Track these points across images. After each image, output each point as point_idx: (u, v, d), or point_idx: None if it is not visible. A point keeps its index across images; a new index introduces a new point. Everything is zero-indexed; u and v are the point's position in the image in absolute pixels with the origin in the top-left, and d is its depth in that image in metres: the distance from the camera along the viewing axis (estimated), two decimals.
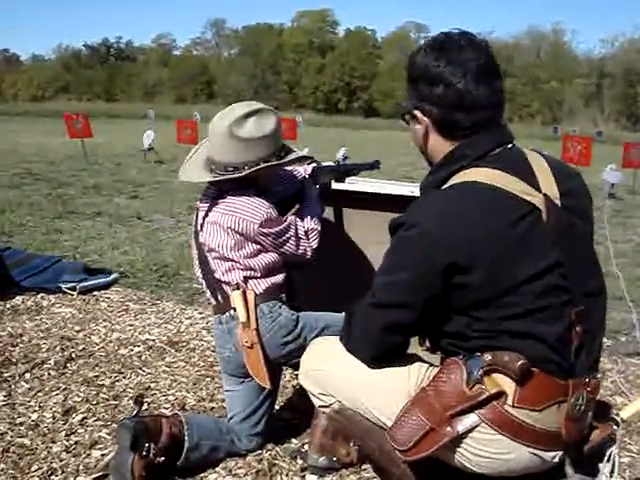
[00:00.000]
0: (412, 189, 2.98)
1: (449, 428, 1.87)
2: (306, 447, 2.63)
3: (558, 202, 1.89)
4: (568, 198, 1.92)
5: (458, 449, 1.93)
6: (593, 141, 14.14)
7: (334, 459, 2.48)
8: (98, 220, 7.78)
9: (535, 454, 1.91)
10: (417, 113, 1.95)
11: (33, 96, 68.74)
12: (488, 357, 1.85)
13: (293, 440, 2.76)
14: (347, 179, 2.97)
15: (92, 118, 17.23)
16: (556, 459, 1.96)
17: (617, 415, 2.09)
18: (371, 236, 3.08)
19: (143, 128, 17.65)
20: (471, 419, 1.87)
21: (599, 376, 2.05)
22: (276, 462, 2.60)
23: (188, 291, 4.91)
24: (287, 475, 2.52)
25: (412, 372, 2.10)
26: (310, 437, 2.53)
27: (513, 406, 1.85)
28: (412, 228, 1.85)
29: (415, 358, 2.18)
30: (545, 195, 1.87)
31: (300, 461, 2.59)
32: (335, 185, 2.93)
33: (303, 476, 2.51)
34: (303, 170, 2.86)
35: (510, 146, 1.95)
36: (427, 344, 2.11)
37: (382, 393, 2.08)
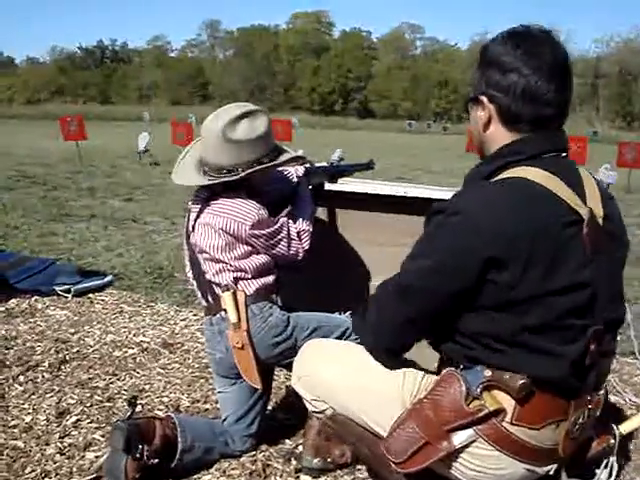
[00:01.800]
0: (405, 189, 2.99)
1: (446, 443, 1.85)
2: (300, 448, 2.63)
3: (600, 221, 1.85)
4: (609, 221, 1.89)
5: (453, 463, 1.92)
6: (588, 141, 14.17)
7: (328, 460, 2.48)
8: (93, 222, 7.76)
9: (529, 470, 1.90)
10: (483, 99, 1.89)
11: (28, 99, 68.70)
12: (488, 373, 1.82)
13: (287, 441, 2.76)
14: (341, 180, 2.96)
15: (87, 120, 17.20)
16: (552, 471, 1.95)
17: (617, 428, 2.06)
18: (364, 236, 3.09)
19: (138, 130, 17.64)
20: (468, 434, 1.85)
21: (601, 392, 2.00)
22: (270, 463, 2.59)
23: (183, 293, 4.91)
24: (281, 476, 2.51)
25: (407, 381, 2.06)
26: (304, 438, 2.54)
27: (511, 423, 1.83)
28: (455, 215, 1.78)
29: (410, 365, 2.16)
30: (590, 210, 1.82)
31: (294, 462, 2.59)
32: (328, 186, 2.93)
33: (297, 477, 2.51)
34: (295, 171, 2.85)
35: (564, 155, 1.92)
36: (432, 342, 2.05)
37: (376, 402, 2.07)
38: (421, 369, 2.13)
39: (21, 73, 77.64)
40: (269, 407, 2.80)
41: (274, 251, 2.51)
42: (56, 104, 56.31)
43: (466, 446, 1.86)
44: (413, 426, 1.89)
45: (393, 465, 1.93)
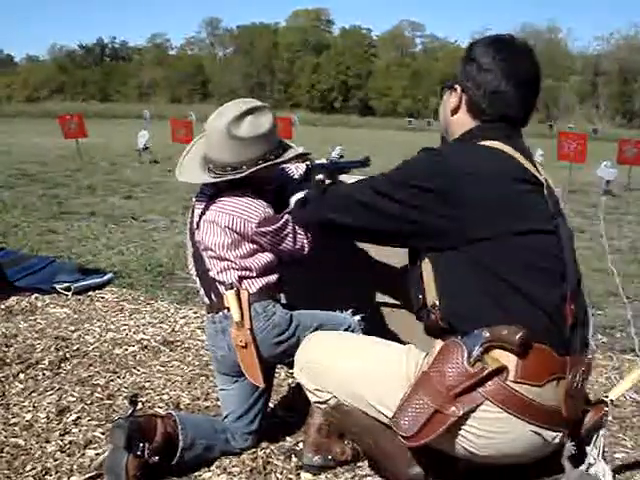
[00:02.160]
0: None
1: (453, 408, 1.89)
2: (301, 445, 2.63)
3: (553, 191, 2.10)
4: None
5: (462, 432, 1.94)
6: (588, 138, 14.16)
7: (329, 457, 2.48)
8: (93, 220, 7.76)
9: (536, 432, 1.93)
10: (457, 87, 2.16)
11: (28, 97, 68.61)
12: (486, 334, 1.88)
13: (288, 438, 2.75)
14: (340, 177, 2.96)
15: (87, 118, 17.17)
16: (556, 440, 1.98)
17: (606, 397, 2.17)
18: None
19: (138, 128, 17.62)
20: (475, 397, 1.90)
21: (590, 357, 2.11)
22: (270, 460, 2.59)
23: (183, 291, 4.91)
24: (282, 473, 2.51)
25: (410, 358, 2.12)
26: (305, 435, 2.54)
27: (515, 381, 1.88)
28: (430, 151, 2.12)
29: (409, 345, 2.23)
30: (545, 179, 2.08)
31: (295, 459, 2.59)
32: (328, 183, 2.92)
33: (298, 474, 2.51)
34: (296, 168, 2.85)
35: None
36: (433, 300, 2.09)
37: (381, 383, 2.10)
38: (423, 352, 2.17)
39: (21, 71, 77.55)
40: (270, 404, 2.80)
41: (280, 247, 2.51)
42: (56, 102, 56.17)
43: (474, 411, 1.90)
44: (420, 397, 1.93)
45: (403, 440, 1.95)
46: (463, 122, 2.17)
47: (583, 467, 2.10)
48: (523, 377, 1.88)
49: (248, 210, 2.44)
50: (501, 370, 1.88)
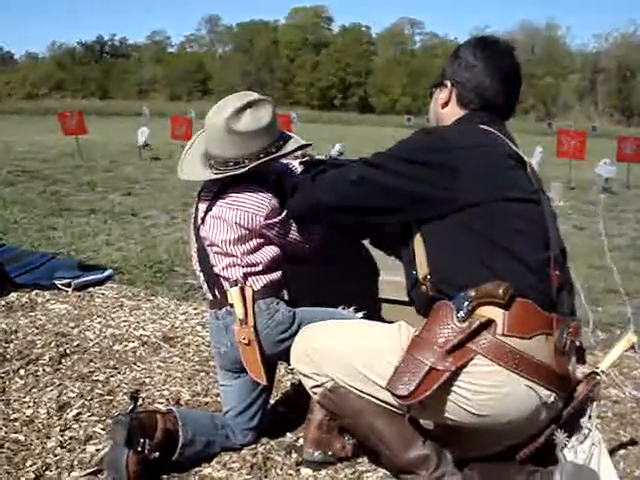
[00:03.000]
0: None
1: (447, 363, 1.95)
2: (301, 441, 2.64)
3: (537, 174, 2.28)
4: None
5: (457, 389, 1.99)
6: (587, 135, 14.17)
7: (329, 453, 2.49)
8: (93, 217, 7.76)
9: (531, 387, 1.98)
10: (447, 82, 2.36)
11: (27, 94, 68.48)
12: (472, 292, 1.96)
13: (288, 434, 2.76)
14: None
15: (86, 115, 17.18)
16: (551, 399, 2.02)
17: (597, 368, 2.19)
18: None
19: (138, 125, 17.62)
20: (466, 352, 1.96)
21: (577, 320, 2.17)
22: (271, 456, 2.60)
23: (183, 287, 4.91)
24: (282, 469, 2.52)
25: (402, 330, 2.20)
26: (305, 431, 2.55)
27: (504, 334, 1.96)
28: (426, 129, 2.33)
29: (402, 322, 2.29)
30: (529, 162, 2.25)
31: (295, 455, 2.59)
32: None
33: (298, 470, 2.51)
34: (297, 164, 2.84)
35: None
36: (424, 273, 2.19)
37: (376, 355, 2.15)
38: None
39: (20, 68, 77.40)
40: (270, 400, 2.80)
41: (288, 238, 2.52)
42: (55, 99, 56.14)
43: (465, 365, 1.96)
44: (414, 357, 1.98)
45: (400, 401, 2.00)
46: (453, 113, 2.35)
47: (579, 438, 2.13)
48: (511, 330, 1.96)
49: (255, 204, 2.43)
50: (489, 324, 1.96)
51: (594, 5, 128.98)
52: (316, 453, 2.48)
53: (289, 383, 3.23)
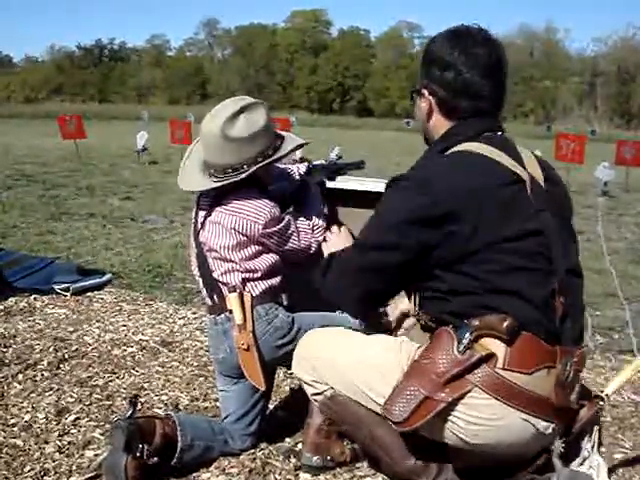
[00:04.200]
0: None
1: (443, 394, 1.92)
2: (300, 446, 2.63)
3: (542, 184, 2.07)
4: (550, 184, 2.10)
5: (452, 418, 1.96)
6: (587, 139, 14.18)
7: (328, 458, 2.49)
8: (91, 221, 7.77)
9: (527, 420, 1.95)
10: (424, 91, 2.15)
11: (26, 98, 68.52)
12: (475, 322, 1.91)
13: (287, 439, 2.76)
14: (338, 177, 2.97)
15: (85, 119, 17.18)
16: (549, 430, 1.99)
17: (602, 392, 2.17)
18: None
19: (136, 129, 17.62)
20: (464, 384, 1.92)
21: (584, 348, 2.12)
22: (269, 461, 2.59)
23: (182, 291, 4.91)
24: (280, 474, 2.51)
25: (404, 348, 2.15)
26: (304, 436, 2.54)
27: (504, 368, 1.91)
28: (408, 180, 2.05)
29: (404, 337, 2.26)
30: (530, 174, 2.04)
31: (294, 460, 2.59)
32: (328, 183, 2.93)
33: (297, 475, 2.51)
34: (297, 169, 2.84)
35: (500, 133, 2.14)
36: (416, 308, 2.16)
37: (376, 373, 2.12)
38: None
39: (19, 72, 77.40)
40: (269, 405, 2.79)
41: (286, 247, 2.52)
42: (54, 103, 56.13)
43: (462, 397, 1.92)
44: (411, 384, 1.96)
45: (394, 426, 1.98)
46: (439, 125, 2.16)
47: (577, 460, 2.12)
48: (511, 365, 1.91)
49: (254, 211, 2.43)
50: (490, 357, 1.91)
51: (593, 8, 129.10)
52: (315, 458, 2.47)
53: (288, 388, 3.22)
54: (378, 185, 3.06)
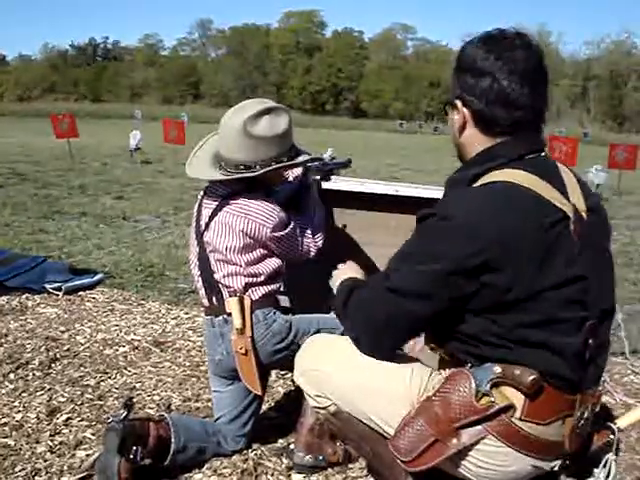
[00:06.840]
0: (397, 188, 3.01)
1: (455, 440, 1.84)
2: (292, 446, 2.63)
3: (584, 215, 1.88)
4: (592, 213, 1.92)
5: (462, 461, 1.91)
6: (579, 142, 14.22)
7: (320, 458, 2.48)
8: (84, 220, 7.74)
9: (536, 465, 1.90)
10: (457, 103, 1.92)
11: (19, 96, 68.42)
12: (498, 369, 1.81)
13: (279, 440, 2.75)
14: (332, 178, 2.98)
15: (78, 118, 17.14)
16: (557, 467, 1.94)
17: (614, 424, 2.06)
18: (357, 236, 3.10)
19: (130, 128, 17.59)
20: (477, 431, 1.84)
21: (600, 387, 2.04)
22: (262, 462, 2.59)
23: (174, 291, 4.90)
24: (272, 475, 2.51)
25: (414, 378, 2.03)
26: (296, 436, 2.54)
27: (520, 419, 1.83)
28: (446, 220, 1.80)
29: (415, 362, 2.12)
30: (574, 206, 1.85)
31: (286, 460, 2.59)
32: (324, 184, 2.93)
33: (289, 475, 2.51)
34: (292, 171, 2.83)
35: (543, 154, 1.94)
36: (433, 344, 2.05)
37: (383, 400, 2.04)
38: (427, 367, 2.10)
39: (12, 70, 77.22)
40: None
41: (289, 251, 2.52)
42: (47, 101, 56.12)
43: (475, 443, 1.85)
44: (422, 423, 1.88)
45: (401, 464, 1.91)
46: (474, 140, 1.93)
47: None
48: (529, 416, 1.83)
49: (263, 214, 2.41)
50: (508, 407, 1.83)
51: (586, 12, 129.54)
52: (307, 457, 2.47)
53: (280, 389, 3.21)
54: (369, 187, 3.08)
